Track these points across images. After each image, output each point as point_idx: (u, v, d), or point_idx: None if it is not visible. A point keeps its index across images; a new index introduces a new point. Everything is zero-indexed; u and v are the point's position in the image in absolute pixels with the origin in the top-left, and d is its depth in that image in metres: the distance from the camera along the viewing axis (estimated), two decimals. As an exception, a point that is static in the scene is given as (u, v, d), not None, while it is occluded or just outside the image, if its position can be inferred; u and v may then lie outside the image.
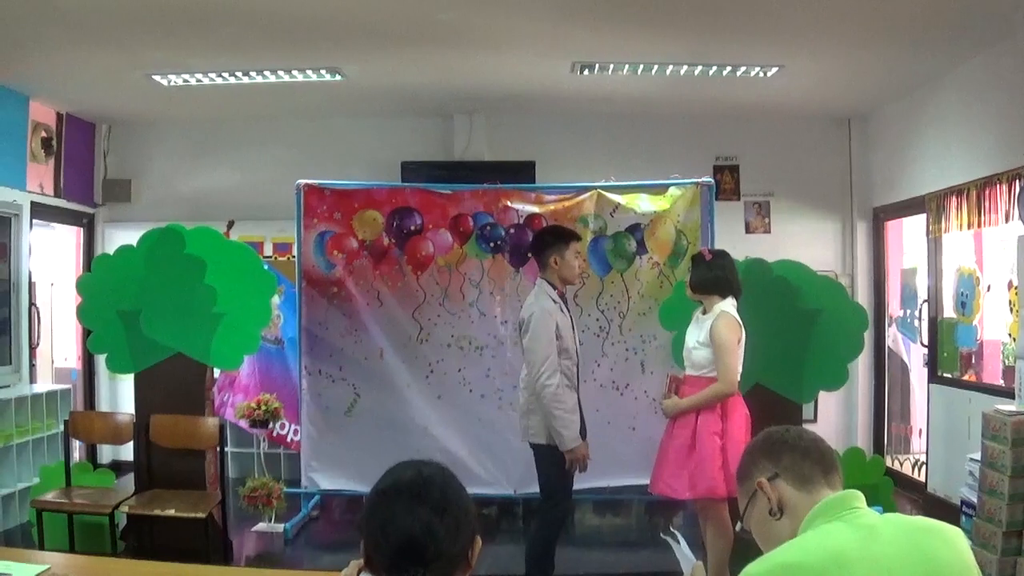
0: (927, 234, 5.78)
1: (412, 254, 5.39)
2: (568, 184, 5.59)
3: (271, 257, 6.62)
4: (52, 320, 6.72)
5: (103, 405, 6.86)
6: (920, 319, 6.10)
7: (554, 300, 3.95)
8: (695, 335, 3.96)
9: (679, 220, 5.34)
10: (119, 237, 6.12)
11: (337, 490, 5.44)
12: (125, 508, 4.48)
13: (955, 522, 1.82)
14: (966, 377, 5.53)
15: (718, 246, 4.82)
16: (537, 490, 4.09)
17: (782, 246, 5.84)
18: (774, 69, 5.45)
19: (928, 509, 5.47)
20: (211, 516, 4.45)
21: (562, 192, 5.47)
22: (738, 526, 1.79)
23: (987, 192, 4.97)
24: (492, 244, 5.39)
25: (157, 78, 5.62)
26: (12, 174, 5.87)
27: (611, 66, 5.44)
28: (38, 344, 6.25)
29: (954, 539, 1.59)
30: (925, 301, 5.97)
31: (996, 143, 4.95)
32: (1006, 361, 5.13)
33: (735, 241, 6.00)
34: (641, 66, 5.42)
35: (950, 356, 5.67)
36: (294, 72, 5.57)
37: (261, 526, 5.29)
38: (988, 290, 5.34)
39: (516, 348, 4.55)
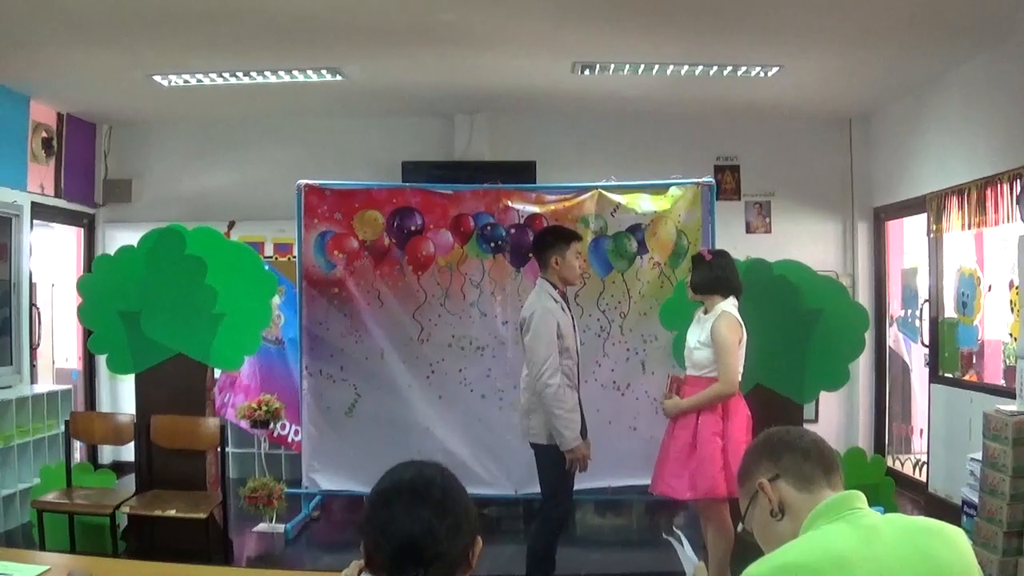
0: (928, 234, 5.78)
1: (413, 254, 5.38)
2: (569, 184, 5.58)
3: (272, 257, 6.62)
4: (53, 321, 6.73)
5: (104, 406, 6.86)
6: (921, 319, 6.09)
7: (555, 299, 3.94)
8: (696, 335, 3.96)
9: (680, 220, 5.34)
10: (120, 237, 6.12)
11: (338, 490, 5.43)
12: (126, 509, 4.48)
13: (956, 522, 1.82)
14: (967, 377, 5.52)
15: (719, 246, 4.82)
16: (538, 490, 4.09)
17: (783, 246, 5.84)
18: (775, 69, 5.45)
19: (929, 509, 5.47)
20: (212, 516, 4.45)
21: (563, 192, 5.47)
22: (739, 527, 1.79)
23: (988, 192, 4.96)
24: (493, 244, 5.38)
25: (158, 78, 5.62)
26: (12, 174, 5.87)
27: (612, 66, 5.44)
28: (39, 345, 6.25)
29: (955, 539, 1.59)
30: (926, 301, 5.96)
31: (997, 143, 4.94)
32: (1007, 361, 5.12)
33: (736, 241, 6.00)
34: (642, 66, 5.42)
35: (951, 356, 5.66)
36: (295, 72, 5.57)
37: (262, 526, 5.29)
38: (989, 290, 5.33)
39: (517, 348, 4.55)
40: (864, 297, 6.61)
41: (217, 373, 5.37)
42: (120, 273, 4.83)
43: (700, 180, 5.38)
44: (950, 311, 5.69)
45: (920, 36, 4.79)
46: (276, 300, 5.47)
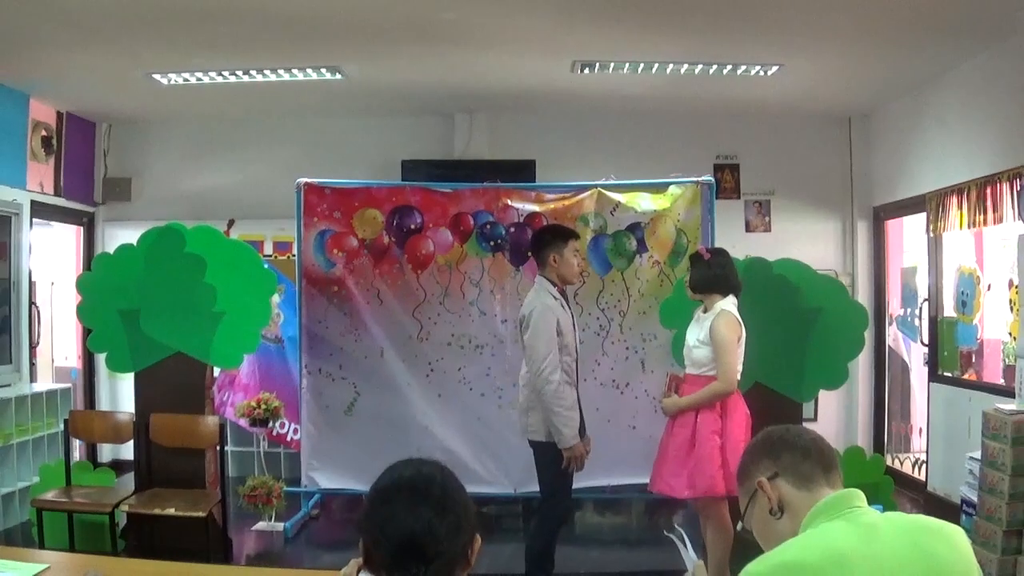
0: (927, 233, 5.78)
1: (412, 253, 5.38)
2: (568, 183, 5.58)
3: (271, 256, 6.62)
4: (52, 319, 6.73)
5: (103, 404, 6.86)
6: (920, 318, 6.10)
7: (554, 297, 3.95)
8: (695, 333, 3.96)
9: (679, 219, 5.34)
10: (119, 236, 6.11)
11: (337, 489, 5.43)
12: (125, 507, 4.48)
13: (955, 521, 1.82)
14: (966, 376, 5.53)
15: (718, 245, 4.82)
16: (537, 489, 4.09)
17: (782, 245, 5.83)
18: (774, 68, 5.45)
19: (928, 508, 5.47)
20: (211, 515, 4.45)
21: (562, 191, 5.47)
22: (739, 526, 1.79)
23: (987, 191, 4.96)
24: (492, 243, 5.38)
25: (157, 77, 5.62)
26: (12, 173, 5.87)
27: (611, 65, 5.43)
28: (38, 343, 6.25)
29: (955, 538, 1.59)
30: (925, 300, 5.96)
31: (996, 142, 4.94)
32: (1006, 360, 5.13)
33: (735, 240, 6.00)
34: (641, 65, 5.42)
35: (950, 355, 5.67)
36: (294, 71, 5.56)
37: (261, 525, 5.29)
38: (988, 289, 5.34)
39: (516, 346, 4.55)
40: (863, 296, 6.62)
41: (216, 371, 5.37)
42: (119, 271, 4.83)
43: (699, 179, 5.38)
44: (949, 310, 5.69)
45: (920, 35, 4.79)
46: (275, 298, 5.48)
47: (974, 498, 4.03)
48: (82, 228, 6.93)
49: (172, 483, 4.66)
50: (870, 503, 1.64)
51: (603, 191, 5.34)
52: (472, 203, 5.41)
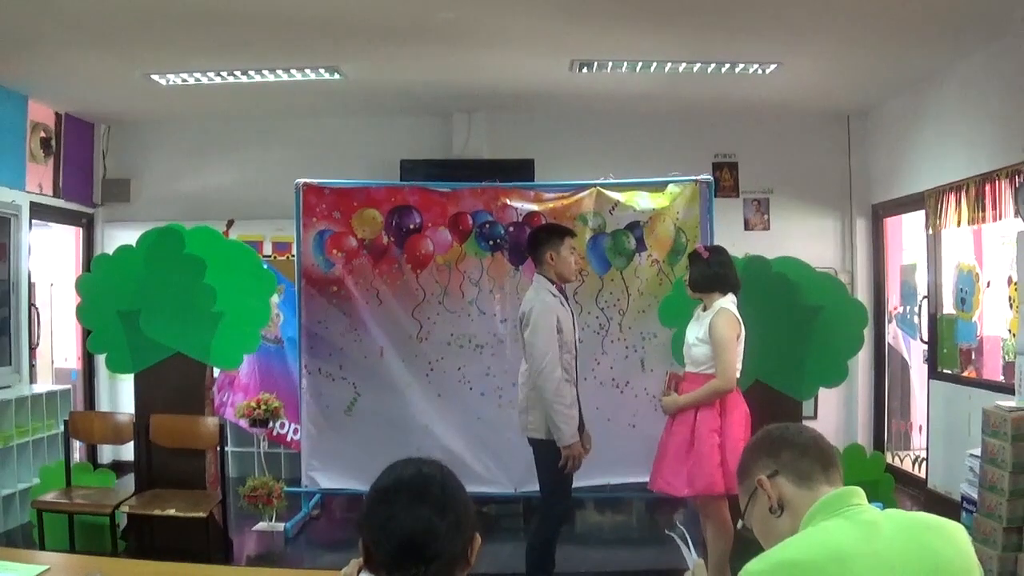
0: (926, 230, 5.78)
1: (411, 252, 5.38)
2: (567, 182, 5.58)
3: (270, 256, 6.62)
4: (52, 320, 6.72)
5: (103, 405, 6.86)
6: (920, 315, 6.10)
7: (553, 294, 3.95)
8: (695, 332, 3.97)
9: (678, 217, 5.34)
10: (118, 237, 6.12)
11: (337, 489, 5.43)
12: (125, 508, 4.48)
13: (956, 518, 1.82)
14: (966, 373, 5.53)
15: (717, 243, 4.81)
16: (537, 488, 4.09)
17: (781, 243, 5.83)
18: (773, 66, 5.44)
19: (928, 505, 5.48)
20: (211, 516, 4.45)
21: (561, 190, 5.47)
22: (739, 524, 1.79)
23: (986, 188, 4.96)
24: (491, 242, 5.38)
25: (156, 78, 5.61)
26: (11, 174, 5.86)
27: (610, 64, 5.43)
28: (38, 344, 6.25)
29: (955, 535, 1.59)
30: (925, 297, 5.97)
31: (995, 139, 4.94)
32: (1006, 357, 5.13)
33: (734, 238, 5.99)
34: (639, 64, 5.42)
35: (950, 352, 5.67)
36: (292, 71, 5.56)
37: (261, 525, 5.29)
38: (988, 286, 5.34)
39: (516, 346, 4.54)
40: (863, 294, 6.62)
41: (216, 372, 5.37)
42: (119, 272, 4.83)
43: (698, 177, 5.38)
44: (949, 307, 5.69)
45: (918, 32, 4.79)
46: (275, 299, 5.48)
47: (974, 495, 4.03)
48: (81, 229, 6.93)
49: (172, 484, 4.66)
50: (870, 501, 1.64)
51: (602, 190, 5.34)
52: (471, 203, 5.41)
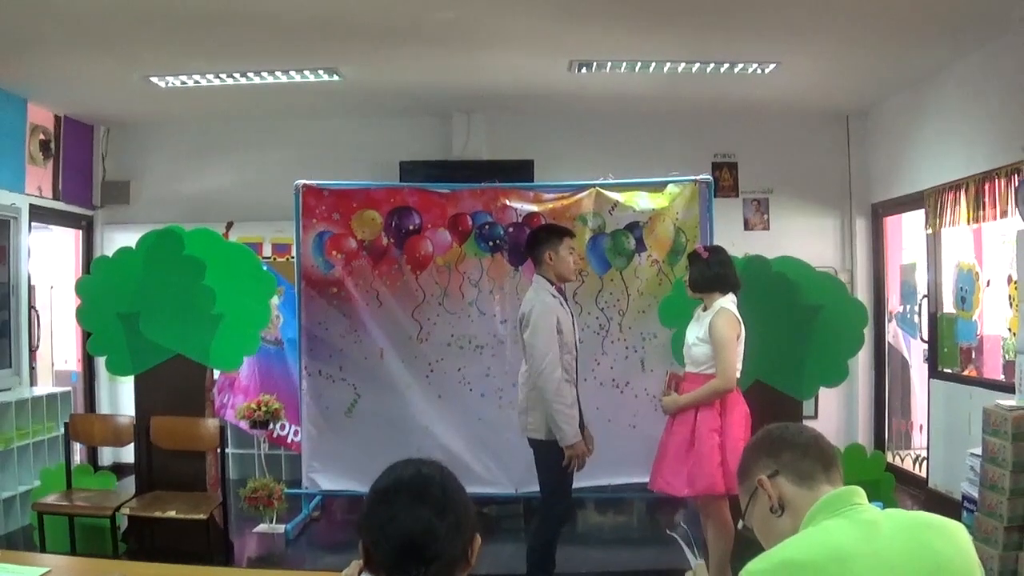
0: (926, 229, 5.78)
1: (411, 254, 5.38)
2: (567, 182, 5.59)
3: (270, 258, 6.61)
4: (52, 323, 6.72)
5: (103, 407, 6.86)
6: (920, 315, 6.10)
7: (553, 295, 3.94)
8: (695, 332, 3.97)
9: (678, 217, 5.34)
10: (118, 239, 6.11)
11: (338, 490, 5.43)
12: (126, 510, 4.48)
13: (956, 517, 1.82)
14: (966, 372, 5.53)
15: (717, 243, 4.81)
16: (538, 488, 4.09)
17: (781, 243, 5.83)
18: (772, 66, 5.45)
19: (929, 504, 5.48)
20: (212, 518, 4.45)
21: (560, 190, 5.47)
22: (740, 524, 1.79)
23: (986, 187, 4.96)
24: (491, 243, 5.38)
25: (155, 80, 5.61)
26: (10, 177, 5.86)
27: (609, 64, 5.43)
28: (38, 347, 6.25)
29: (956, 534, 1.59)
30: (925, 296, 5.96)
31: (995, 138, 4.94)
32: (1006, 356, 5.13)
33: (734, 238, 6.00)
34: (639, 64, 5.42)
35: (950, 351, 5.67)
36: (291, 73, 5.56)
37: (262, 527, 5.29)
38: (988, 285, 5.34)
39: (516, 346, 4.54)
40: (863, 293, 6.62)
41: (216, 374, 5.37)
42: (119, 275, 4.83)
43: (698, 177, 5.38)
44: (949, 306, 5.69)
45: (917, 31, 4.79)
46: (275, 300, 5.47)
47: (975, 494, 4.02)
48: (81, 231, 6.93)
49: (173, 486, 4.65)
50: (871, 500, 1.64)
51: (601, 190, 5.34)
52: (470, 203, 5.41)
